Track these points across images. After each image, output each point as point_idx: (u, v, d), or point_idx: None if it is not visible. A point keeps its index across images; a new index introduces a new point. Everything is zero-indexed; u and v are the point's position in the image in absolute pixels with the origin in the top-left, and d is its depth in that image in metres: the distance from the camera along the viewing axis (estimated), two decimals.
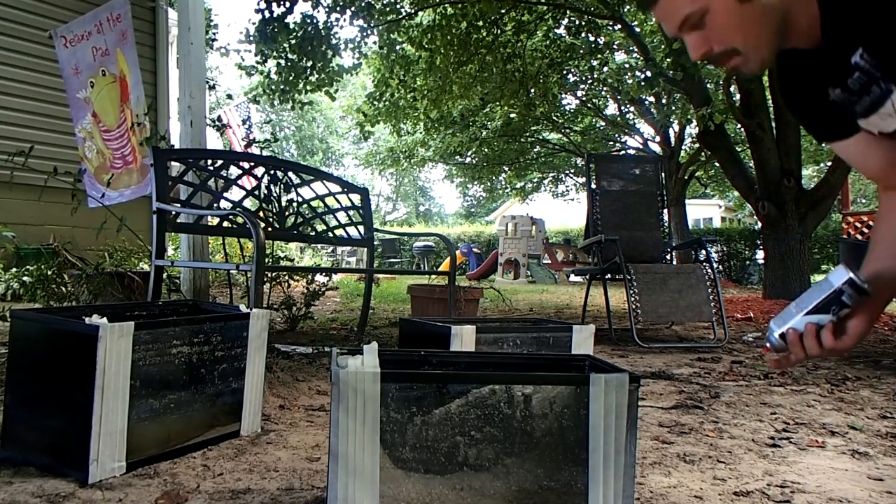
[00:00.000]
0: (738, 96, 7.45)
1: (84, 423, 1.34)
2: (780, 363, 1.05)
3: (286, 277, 4.15)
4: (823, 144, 1.18)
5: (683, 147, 14.01)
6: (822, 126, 1.11)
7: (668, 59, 7.33)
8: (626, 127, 15.86)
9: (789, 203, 7.08)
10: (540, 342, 1.84)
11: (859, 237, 6.98)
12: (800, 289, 6.91)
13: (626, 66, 11.63)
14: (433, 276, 5.62)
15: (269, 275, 3.84)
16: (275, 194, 3.31)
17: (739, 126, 8.91)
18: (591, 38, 9.86)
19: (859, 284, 0.97)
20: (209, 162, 3.12)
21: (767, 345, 1.06)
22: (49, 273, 3.52)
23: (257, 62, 7.16)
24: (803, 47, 1.00)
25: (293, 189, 3.42)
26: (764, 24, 0.96)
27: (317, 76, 7.39)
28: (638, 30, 9.91)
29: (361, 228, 3.75)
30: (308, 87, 7.53)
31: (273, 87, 7.47)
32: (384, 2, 7.78)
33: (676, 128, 13.34)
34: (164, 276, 2.95)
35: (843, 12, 0.92)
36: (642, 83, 8.26)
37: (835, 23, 0.93)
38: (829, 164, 7.61)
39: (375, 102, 9.87)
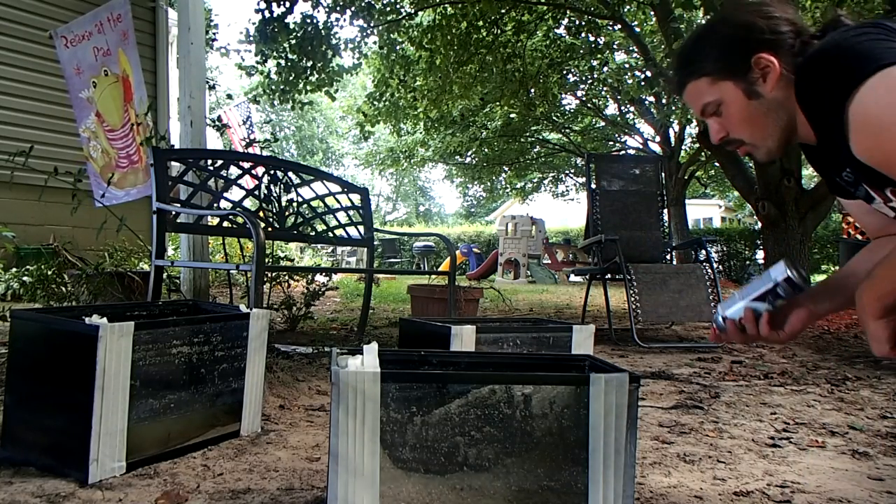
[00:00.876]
0: None
1: (84, 423, 1.34)
2: (720, 338, 1.24)
3: (286, 277, 4.15)
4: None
5: (683, 147, 14.00)
6: (834, 187, 1.24)
7: (668, 60, 7.32)
8: (626, 127, 15.85)
9: (789, 203, 7.07)
10: (540, 342, 1.84)
11: (859, 237, 6.97)
12: None
13: (626, 66, 11.62)
14: (433, 276, 5.62)
15: (269, 275, 3.84)
16: (275, 194, 3.31)
17: None
18: (591, 38, 9.86)
19: (794, 280, 1.10)
20: (209, 162, 3.12)
21: (714, 325, 1.23)
22: (49, 273, 3.52)
23: (257, 62, 7.15)
24: (810, 144, 1.14)
25: (293, 189, 3.42)
26: (770, 118, 1.11)
27: (317, 76, 7.38)
28: (638, 30, 9.91)
29: (361, 228, 3.75)
30: (308, 87, 7.52)
31: (273, 87, 7.46)
32: (384, 2, 7.77)
33: (676, 128, 13.33)
34: (164, 276, 2.95)
35: (823, 128, 1.03)
36: (642, 83, 8.26)
37: (821, 134, 1.05)
38: None
39: (375, 102, 9.86)
